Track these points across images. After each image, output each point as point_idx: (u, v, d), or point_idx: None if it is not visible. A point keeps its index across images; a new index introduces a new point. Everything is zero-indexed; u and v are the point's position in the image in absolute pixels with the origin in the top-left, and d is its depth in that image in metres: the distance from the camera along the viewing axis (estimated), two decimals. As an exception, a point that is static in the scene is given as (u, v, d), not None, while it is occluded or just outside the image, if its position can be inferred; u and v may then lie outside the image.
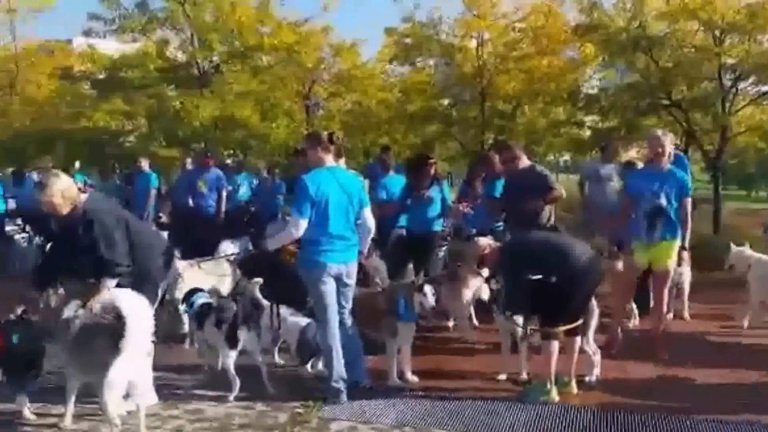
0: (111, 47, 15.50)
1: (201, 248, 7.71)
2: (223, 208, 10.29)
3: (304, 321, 4.92)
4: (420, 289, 4.60)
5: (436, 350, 5.56)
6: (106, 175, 13.49)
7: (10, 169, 13.42)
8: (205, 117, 13.48)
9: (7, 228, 10.98)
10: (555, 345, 4.33)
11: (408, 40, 16.22)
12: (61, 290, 4.45)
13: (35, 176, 10.99)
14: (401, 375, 4.75)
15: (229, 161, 14.22)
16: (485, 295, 5.66)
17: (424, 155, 7.21)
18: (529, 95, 14.82)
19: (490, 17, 15.54)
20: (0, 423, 4.14)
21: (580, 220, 8.98)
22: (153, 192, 11.47)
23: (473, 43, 15.49)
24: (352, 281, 4.53)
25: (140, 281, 4.25)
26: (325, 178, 4.36)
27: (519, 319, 4.65)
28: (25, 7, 17.02)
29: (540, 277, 4.16)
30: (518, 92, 14.69)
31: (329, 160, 4.48)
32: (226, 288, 6.21)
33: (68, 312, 4.12)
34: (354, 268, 4.54)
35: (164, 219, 11.21)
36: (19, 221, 11.25)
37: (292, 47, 14.19)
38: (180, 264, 6.04)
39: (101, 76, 15.12)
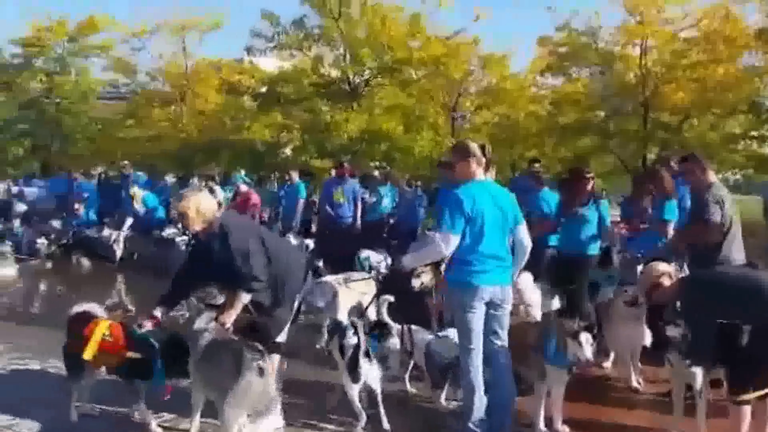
0: (271, 64, 16.17)
1: (340, 258, 7.54)
2: (359, 218, 10.10)
3: (431, 335, 4.45)
4: (575, 336, 3.87)
5: (592, 397, 4.72)
6: (263, 183, 13.94)
7: (178, 176, 14.31)
8: (353, 129, 13.50)
9: (168, 231, 11.56)
10: (745, 409, 3.43)
11: (563, 50, 15.29)
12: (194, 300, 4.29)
13: (195, 183, 11.53)
14: (549, 423, 4.06)
15: (375, 173, 14.18)
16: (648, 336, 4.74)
17: (581, 169, 6.46)
18: (699, 106, 13.31)
19: (655, 23, 14.21)
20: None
21: (764, 246, 7.66)
22: (301, 202, 11.54)
23: (636, 51, 14.23)
24: (507, 307, 3.94)
25: (276, 296, 4.03)
26: (479, 193, 3.89)
27: (698, 370, 3.79)
28: (195, 28, 18.21)
29: (732, 323, 3.32)
30: (687, 103, 13.24)
31: (480, 173, 3.99)
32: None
33: (200, 323, 3.92)
34: (509, 293, 3.97)
35: (314, 229, 11.32)
36: (180, 225, 11.82)
37: (440, 60, 13.84)
38: (333, 281, 5.77)
39: (262, 90, 15.75)
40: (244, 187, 12.04)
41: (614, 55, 15.07)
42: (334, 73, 15.14)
